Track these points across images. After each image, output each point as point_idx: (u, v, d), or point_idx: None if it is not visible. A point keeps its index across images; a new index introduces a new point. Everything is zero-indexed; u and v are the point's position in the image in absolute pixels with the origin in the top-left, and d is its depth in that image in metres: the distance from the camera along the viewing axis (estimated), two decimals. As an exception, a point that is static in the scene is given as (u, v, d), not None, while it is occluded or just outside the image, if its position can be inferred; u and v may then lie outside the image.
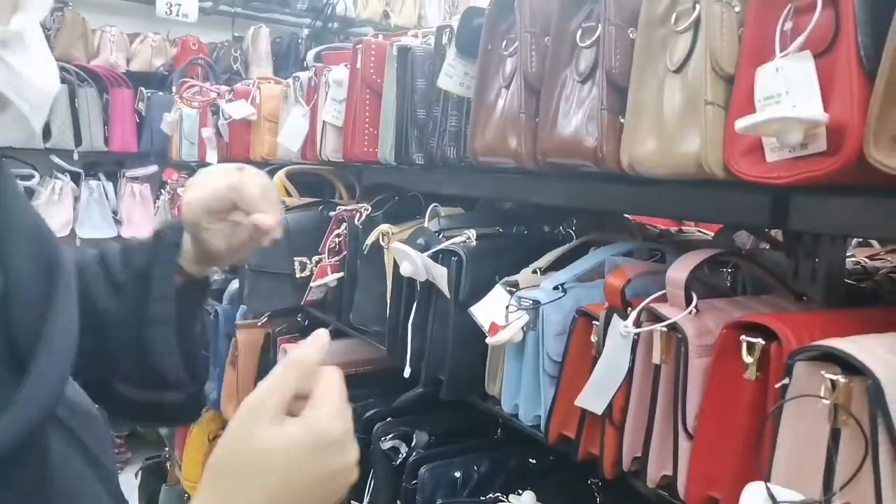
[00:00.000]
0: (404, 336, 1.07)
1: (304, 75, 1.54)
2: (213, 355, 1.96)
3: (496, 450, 1.13)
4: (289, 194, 1.65)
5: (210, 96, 2.09)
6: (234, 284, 1.92)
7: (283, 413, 0.47)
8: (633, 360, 0.73)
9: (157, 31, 3.60)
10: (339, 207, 1.50)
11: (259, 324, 1.76)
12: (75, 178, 3.38)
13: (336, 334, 1.62)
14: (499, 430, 1.22)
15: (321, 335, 0.51)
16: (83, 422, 0.48)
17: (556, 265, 0.98)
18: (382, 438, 1.14)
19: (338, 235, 1.39)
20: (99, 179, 3.46)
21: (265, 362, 1.72)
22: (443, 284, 0.96)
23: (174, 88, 3.04)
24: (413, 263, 0.98)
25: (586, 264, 0.91)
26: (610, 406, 0.75)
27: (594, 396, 0.74)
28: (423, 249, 1.01)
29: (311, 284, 1.39)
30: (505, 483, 1.05)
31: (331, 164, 1.47)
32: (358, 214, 1.28)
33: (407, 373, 1.05)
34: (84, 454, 0.46)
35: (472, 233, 1.01)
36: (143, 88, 3.45)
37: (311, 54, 1.57)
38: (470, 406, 1.22)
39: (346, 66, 1.37)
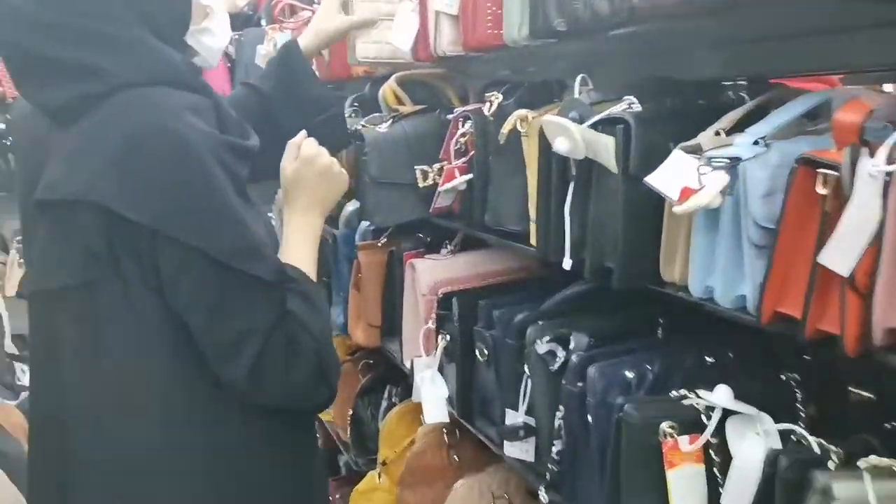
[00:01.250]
0: (559, 224, 0.95)
1: (407, -32, 1.40)
2: (336, 281, 1.93)
3: (665, 349, 1.02)
4: (401, 103, 1.55)
5: (304, 15, 2.00)
6: (350, 207, 1.86)
7: (292, 162, 1.05)
8: (884, 210, 0.59)
9: (238, -29, 3.53)
10: (457, 109, 1.38)
11: (380, 243, 1.70)
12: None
13: (466, 243, 1.54)
14: (659, 330, 1.10)
15: (302, 132, 1.09)
16: None
17: (738, 129, 0.83)
18: (537, 342, 1.05)
19: (463, 135, 1.28)
20: (200, 127, 3.50)
21: (391, 281, 1.66)
22: (608, 157, 0.83)
23: (263, 22, 2.99)
24: (570, 138, 0.86)
25: (790, 112, 0.75)
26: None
27: (839, 254, 0.60)
28: (577, 122, 0.88)
29: (439, 189, 1.29)
30: (683, 383, 0.93)
31: (447, 60, 1.35)
32: (488, 104, 1.15)
33: (567, 264, 0.94)
34: None
35: (633, 99, 0.87)
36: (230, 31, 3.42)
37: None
38: (629, 304, 1.11)
39: (457, -57, 1.23)
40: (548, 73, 1.26)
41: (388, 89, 1.57)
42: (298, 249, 1.00)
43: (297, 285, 0.90)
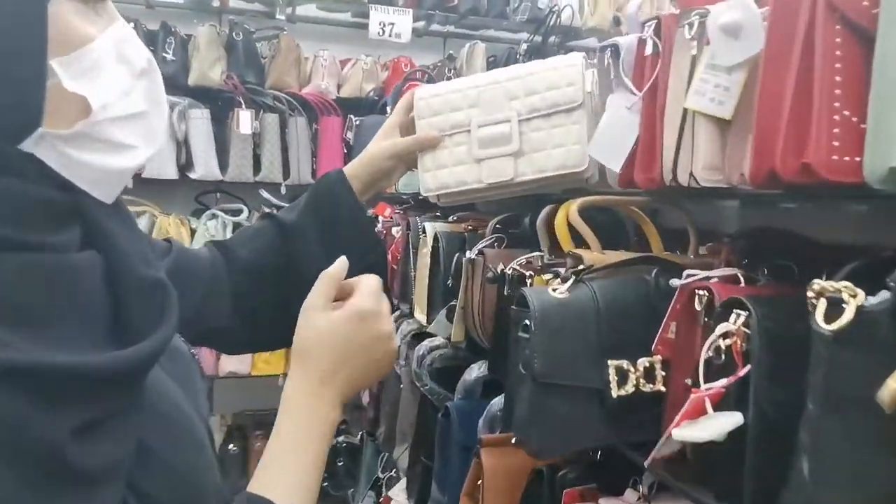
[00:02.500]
0: None
1: (627, 40, 0.85)
2: (441, 471, 1.32)
3: None
4: (583, 245, 0.97)
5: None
6: (475, 371, 1.28)
7: (329, 306, 0.63)
8: None
9: (368, 54, 3.21)
10: (689, 273, 0.78)
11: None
12: (283, 213, 3.04)
13: None
14: None
15: (342, 260, 0.67)
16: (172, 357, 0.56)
17: None
18: None
19: (726, 335, 0.67)
20: (305, 215, 3.10)
21: (530, 511, 1.04)
22: None
23: (388, 109, 2.57)
24: None
25: None
26: None
27: None
28: None
29: (672, 430, 0.67)
30: None
31: (690, 192, 0.76)
32: (817, 300, 0.54)
33: None
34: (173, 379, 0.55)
35: None
36: (352, 116, 3.05)
37: (633, 3, 0.90)
38: None
39: (750, -5, 0.66)
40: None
41: (562, 222, 1.00)
42: (290, 464, 0.56)
43: None
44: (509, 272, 1.03)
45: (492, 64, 3.34)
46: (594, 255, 0.91)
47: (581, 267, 0.86)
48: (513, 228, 1.24)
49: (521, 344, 0.84)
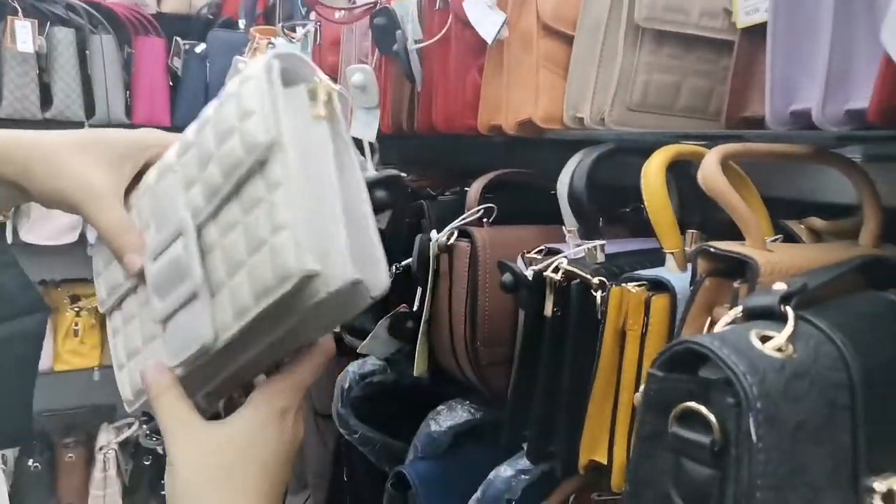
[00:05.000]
0: None
1: None
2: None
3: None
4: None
5: (359, 2, 0.95)
6: (444, 418, 0.79)
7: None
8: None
9: (197, -42, 2.42)
10: None
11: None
12: (87, 162, 2.21)
13: None
14: None
15: None
16: None
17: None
18: None
19: None
20: (120, 165, 2.29)
21: None
22: None
23: (241, 24, 1.90)
24: None
25: None
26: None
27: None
28: None
29: None
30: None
31: None
32: None
33: None
34: None
35: None
36: (178, 38, 2.28)
37: None
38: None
39: None
40: None
41: (656, 182, 0.54)
42: None
43: None
44: (555, 276, 0.55)
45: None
46: (763, 252, 0.47)
47: (781, 286, 0.41)
48: (501, 192, 0.76)
49: (696, 457, 0.37)
